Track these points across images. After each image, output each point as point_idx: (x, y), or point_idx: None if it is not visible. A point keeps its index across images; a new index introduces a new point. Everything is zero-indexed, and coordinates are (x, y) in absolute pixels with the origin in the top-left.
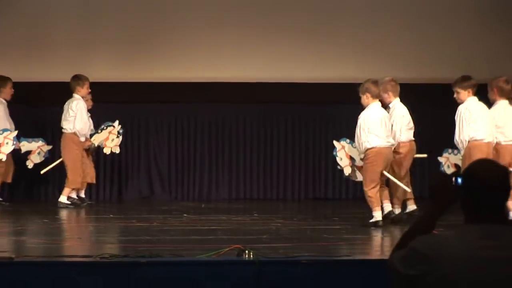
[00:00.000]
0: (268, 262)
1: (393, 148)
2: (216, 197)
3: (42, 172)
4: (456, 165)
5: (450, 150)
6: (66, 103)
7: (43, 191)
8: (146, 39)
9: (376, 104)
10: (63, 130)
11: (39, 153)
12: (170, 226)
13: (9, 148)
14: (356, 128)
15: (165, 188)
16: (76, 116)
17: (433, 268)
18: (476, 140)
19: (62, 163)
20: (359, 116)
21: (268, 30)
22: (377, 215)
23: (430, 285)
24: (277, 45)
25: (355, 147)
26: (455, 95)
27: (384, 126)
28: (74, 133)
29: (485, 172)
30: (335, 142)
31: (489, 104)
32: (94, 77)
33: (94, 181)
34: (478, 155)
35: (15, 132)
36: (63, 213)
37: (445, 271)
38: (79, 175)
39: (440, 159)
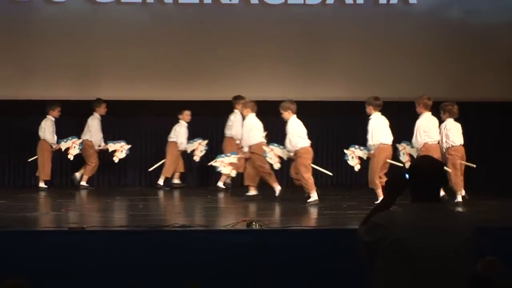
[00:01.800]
0: (270, 230)
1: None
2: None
3: (150, 169)
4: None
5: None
6: None
7: (122, 180)
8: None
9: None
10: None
11: (121, 151)
12: (200, 204)
13: (75, 151)
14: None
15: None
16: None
17: (386, 234)
18: (384, 144)
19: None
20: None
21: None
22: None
23: (386, 248)
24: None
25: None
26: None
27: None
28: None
29: (424, 166)
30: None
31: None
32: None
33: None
34: (382, 155)
35: (80, 140)
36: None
37: (396, 237)
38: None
39: (346, 151)
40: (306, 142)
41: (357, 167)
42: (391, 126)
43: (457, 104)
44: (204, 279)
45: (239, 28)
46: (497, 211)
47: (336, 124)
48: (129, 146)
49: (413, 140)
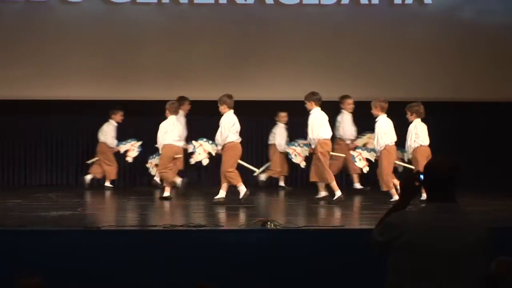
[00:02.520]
0: (284, 230)
1: None
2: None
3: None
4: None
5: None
6: None
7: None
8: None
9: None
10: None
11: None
12: (214, 204)
13: (134, 153)
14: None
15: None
16: None
17: (400, 234)
18: (324, 138)
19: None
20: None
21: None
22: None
23: (399, 248)
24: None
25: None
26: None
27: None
28: None
29: (439, 166)
30: None
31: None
32: None
33: None
34: (324, 149)
35: (140, 142)
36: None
37: (409, 237)
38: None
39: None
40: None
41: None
42: (405, 127)
43: (470, 104)
44: (218, 279)
45: (254, 28)
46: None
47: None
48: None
49: (375, 143)
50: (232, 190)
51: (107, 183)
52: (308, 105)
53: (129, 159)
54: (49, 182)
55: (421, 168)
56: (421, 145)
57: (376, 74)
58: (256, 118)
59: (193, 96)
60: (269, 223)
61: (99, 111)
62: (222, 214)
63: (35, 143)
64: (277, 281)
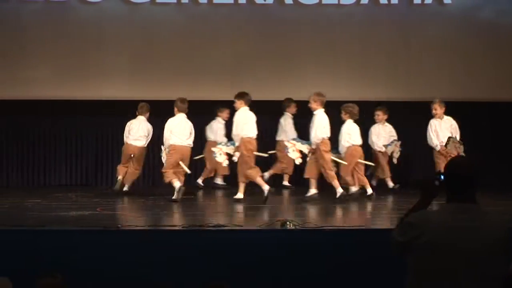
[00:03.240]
0: (303, 230)
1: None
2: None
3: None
4: (300, 151)
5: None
6: None
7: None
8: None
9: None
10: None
11: (396, 151)
12: (233, 205)
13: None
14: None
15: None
16: None
17: (419, 234)
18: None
19: None
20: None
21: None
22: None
23: (419, 248)
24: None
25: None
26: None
27: None
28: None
29: (459, 166)
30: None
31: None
32: None
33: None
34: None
35: (399, 142)
36: None
37: (429, 236)
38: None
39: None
40: None
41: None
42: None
43: (488, 104)
44: (236, 279)
45: (273, 28)
46: None
47: (364, 123)
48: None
49: (311, 135)
50: (250, 190)
51: (219, 181)
52: (238, 103)
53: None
54: (68, 182)
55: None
56: (353, 145)
57: (395, 74)
58: (273, 117)
59: (213, 96)
60: (288, 223)
61: (119, 111)
62: (240, 214)
63: (55, 143)
64: (298, 281)
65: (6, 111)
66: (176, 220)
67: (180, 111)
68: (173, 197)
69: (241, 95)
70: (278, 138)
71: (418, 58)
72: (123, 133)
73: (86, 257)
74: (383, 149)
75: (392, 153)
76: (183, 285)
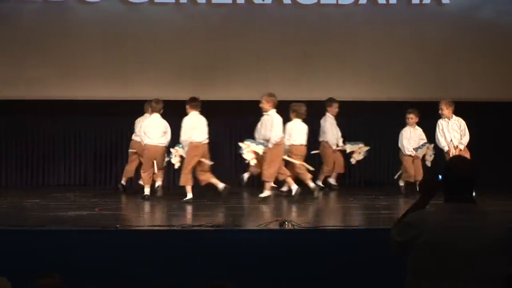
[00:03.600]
0: (302, 230)
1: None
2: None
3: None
4: (255, 152)
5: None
6: None
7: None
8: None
9: None
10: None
11: (359, 153)
12: (232, 204)
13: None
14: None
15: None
16: None
17: (418, 234)
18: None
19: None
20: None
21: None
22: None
23: (417, 248)
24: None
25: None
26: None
27: None
28: None
29: (457, 166)
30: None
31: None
32: None
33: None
34: (193, 153)
35: (368, 147)
36: None
37: (427, 236)
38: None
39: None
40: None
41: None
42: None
43: (483, 105)
44: (236, 279)
45: (271, 28)
46: None
47: (365, 124)
48: (367, 148)
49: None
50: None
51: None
52: (187, 108)
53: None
54: (67, 182)
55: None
56: (293, 144)
57: (394, 74)
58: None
59: (212, 96)
60: (286, 223)
61: (118, 110)
62: (239, 214)
63: (53, 143)
64: (297, 281)
65: (5, 110)
66: (175, 220)
67: (154, 111)
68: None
69: (190, 100)
70: (321, 139)
71: (417, 57)
72: (122, 133)
73: (84, 257)
74: (413, 153)
75: (424, 155)
76: (181, 285)
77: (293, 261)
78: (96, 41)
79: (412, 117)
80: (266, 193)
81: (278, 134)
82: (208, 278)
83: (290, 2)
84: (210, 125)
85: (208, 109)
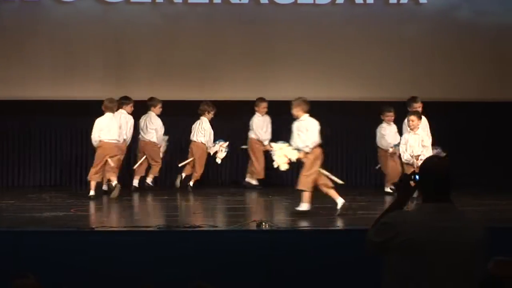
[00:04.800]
0: (279, 230)
1: None
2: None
3: (180, 165)
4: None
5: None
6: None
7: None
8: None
9: None
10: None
11: (221, 150)
12: (209, 204)
13: (223, 154)
14: None
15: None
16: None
17: (396, 233)
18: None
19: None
20: None
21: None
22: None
23: (396, 248)
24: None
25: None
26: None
27: None
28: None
29: (433, 166)
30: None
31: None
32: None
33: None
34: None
35: (227, 142)
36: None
37: (406, 237)
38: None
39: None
40: None
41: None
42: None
43: (467, 104)
44: (213, 280)
45: (248, 27)
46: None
47: (340, 124)
48: (227, 143)
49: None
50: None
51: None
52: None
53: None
54: (43, 182)
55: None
56: (194, 141)
57: (371, 74)
58: (241, 117)
59: (186, 96)
60: (264, 223)
61: (93, 111)
62: (219, 215)
63: (29, 143)
64: (273, 282)
65: None
66: (152, 220)
67: (107, 110)
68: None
69: (107, 103)
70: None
71: (394, 57)
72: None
73: (60, 257)
74: (390, 150)
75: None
76: (158, 286)
77: (271, 262)
78: (71, 41)
79: (392, 115)
80: (305, 206)
81: (315, 139)
82: (184, 279)
83: (267, 1)
84: (178, 124)
85: (184, 109)
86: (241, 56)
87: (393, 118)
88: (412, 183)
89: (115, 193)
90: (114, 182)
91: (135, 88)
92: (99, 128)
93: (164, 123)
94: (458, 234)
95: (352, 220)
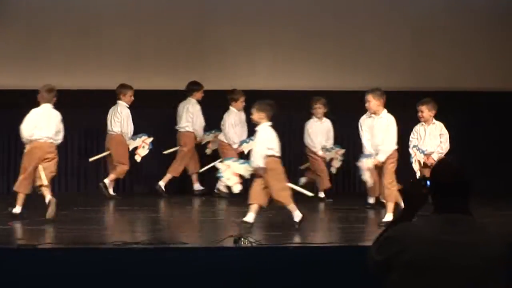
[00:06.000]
0: (262, 247)
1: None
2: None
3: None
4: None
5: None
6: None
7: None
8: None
9: None
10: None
11: (143, 147)
12: (174, 216)
13: (144, 151)
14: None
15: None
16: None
17: (401, 249)
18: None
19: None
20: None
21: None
22: None
23: (401, 266)
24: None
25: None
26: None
27: None
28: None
29: (446, 170)
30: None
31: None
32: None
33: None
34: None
35: (151, 138)
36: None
37: (412, 253)
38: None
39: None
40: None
41: (236, 188)
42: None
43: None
44: None
45: (215, 13)
46: None
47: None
48: (151, 139)
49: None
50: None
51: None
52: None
53: (138, 158)
54: None
55: None
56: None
57: (370, 62)
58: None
59: (164, 86)
60: (242, 239)
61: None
62: (187, 229)
63: None
64: None
65: None
66: (104, 236)
67: (44, 101)
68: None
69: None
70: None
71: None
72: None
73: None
74: (320, 153)
75: (331, 160)
76: None
77: (251, 283)
78: (25, 27)
79: (320, 107)
80: (390, 216)
81: (395, 140)
82: None
83: None
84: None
85: (143, 99)
86: (209, 43)
87: (322, 111)
88: (423, 190)
89: (51, 212)
90: (48, 197)
91: (97, 76)
92: (33, 123)
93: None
94: (472, 250)
95: (350, 235)
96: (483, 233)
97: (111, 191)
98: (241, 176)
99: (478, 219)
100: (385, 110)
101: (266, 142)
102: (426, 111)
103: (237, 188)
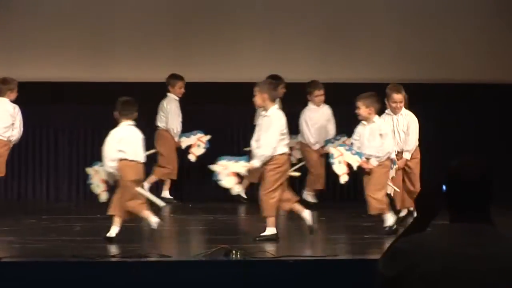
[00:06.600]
0: (256, 261)
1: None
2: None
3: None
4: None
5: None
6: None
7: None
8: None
9: None
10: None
11: (199, 145)
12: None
13: (200, 150)
14: None
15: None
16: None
17: (413, 264)
18: None
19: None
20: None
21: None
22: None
23: (413, 282)
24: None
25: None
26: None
27: None
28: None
29: (464, 172)
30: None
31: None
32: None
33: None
34: None
35: (209, 136)
36: None
37: (426, 268)
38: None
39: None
40: None
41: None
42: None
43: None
44: None
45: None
46: None
47: None
48: (208, 137)
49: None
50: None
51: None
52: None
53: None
54: None
55: None
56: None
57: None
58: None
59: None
60: (233, 251)
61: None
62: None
63: None
64: None
65: None
66: (78, 249)
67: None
68: None
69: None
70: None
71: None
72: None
73: None
74: (317, 146)
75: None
76: None
77: None
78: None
79: (323, 94)
80: (389, 220)
81: (417, 138)
82: None
83: None
84: None
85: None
86: (192, 33)
87: (321, 98)
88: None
89: None
90: None
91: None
92: None
93: None
94: (492, 264)
95: (357, 246)
96: (507, 245)
97: (165, 194)
98: (238, 175)
99: (500, 229)
100: (377, 116)
101: None
102: (363, 108)
103: (237, 189)
